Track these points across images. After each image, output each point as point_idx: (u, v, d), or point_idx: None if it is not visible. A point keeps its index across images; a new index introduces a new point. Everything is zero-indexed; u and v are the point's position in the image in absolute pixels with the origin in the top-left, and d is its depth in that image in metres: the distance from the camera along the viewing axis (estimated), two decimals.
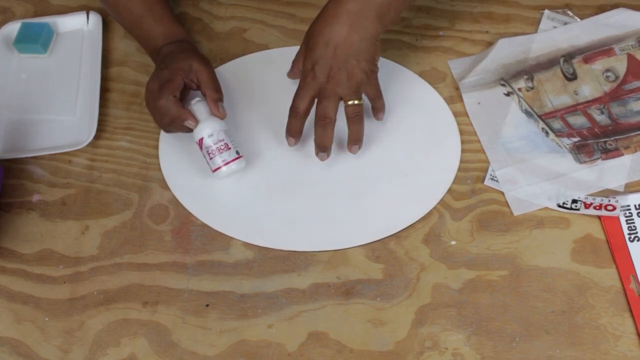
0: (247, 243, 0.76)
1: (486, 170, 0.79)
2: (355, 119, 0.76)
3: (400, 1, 0.75)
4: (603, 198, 0.76)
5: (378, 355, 0.70)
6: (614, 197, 0.76)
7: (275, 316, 0.72)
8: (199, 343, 0.71)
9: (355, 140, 0.78)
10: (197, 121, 0.77)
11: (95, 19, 0.91)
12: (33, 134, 0.84)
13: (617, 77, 0.85)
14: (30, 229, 0.78)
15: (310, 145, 0.80)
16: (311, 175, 0.80)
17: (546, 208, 0.77)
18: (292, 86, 0.86)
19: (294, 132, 0.77)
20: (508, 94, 0.85)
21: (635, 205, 0.76)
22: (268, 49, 0.89)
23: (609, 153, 0.80)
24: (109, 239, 0.77)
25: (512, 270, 0.74)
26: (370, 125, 0.82)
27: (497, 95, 0.85)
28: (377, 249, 0.75)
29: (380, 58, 0.88)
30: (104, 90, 0.87)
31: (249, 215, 0.77)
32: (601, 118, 0.82)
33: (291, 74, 0.84)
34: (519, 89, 0.85)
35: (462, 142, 0.81)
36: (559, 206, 0.76)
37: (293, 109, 0.76)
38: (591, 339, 0.69)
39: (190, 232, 0.77)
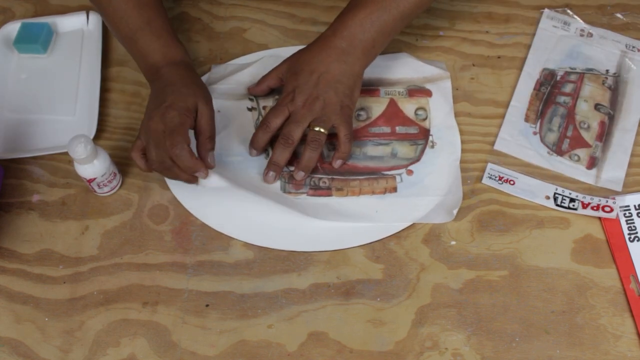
0: (247, 243, 0.76)
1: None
2: (313, 145, 0.76)
3: (385, 38, 0.77)
4: (601, 198, 0.76)
5: (378, 355, 0.70)
6: (613, 198, 0.76)
7: (275, 316, 0.72)
8: (199, 343, 0.71)
9: (304, 167, 0.77)
10: (207, 172, 0.74)
11: (95, 19, 0.91)
12: (33, 134, 0.84)
13: (368, 117, 0.81)
14: (30, 229, 0.78)
15: None
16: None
17: (546, 208, 0.77)
18: None
19: (258, 144, 0.78)
20: (251, 109, 0.83)
21: (635, 206, 0.76)
22: (268, 49, 0.89)
23: (317, 190, 0.78)
24: (108, 239, 0.77)
25: (512, 270, 0.74)
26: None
27: (240, 108, 0.82)
28: (377, 249, 0.75)
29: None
30: (104, 90, 0.87)
31: (249, 215, 0.77)
32: (329, 153, 0.79)
33: (257, 89, 0.82)
34: (264, 107, 0.83)
35: (462, 142, 0.81)
36: (557, 205, 0.76)
37: (264, 123, 0.77)
38: (591, 339, 0.69)
39: (190, 232, 0.77)
